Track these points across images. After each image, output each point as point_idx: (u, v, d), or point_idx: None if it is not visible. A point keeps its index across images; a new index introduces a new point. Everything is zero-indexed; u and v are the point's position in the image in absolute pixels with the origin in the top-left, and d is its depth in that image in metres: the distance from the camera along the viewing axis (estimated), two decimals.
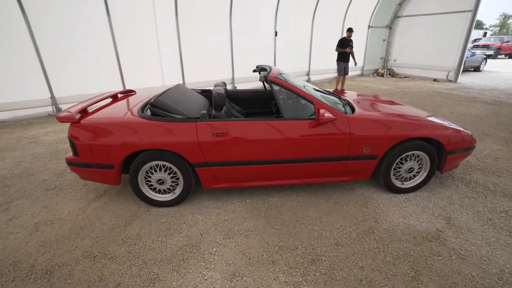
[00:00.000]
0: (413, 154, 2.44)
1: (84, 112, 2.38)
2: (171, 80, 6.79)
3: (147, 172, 2.30)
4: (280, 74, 2.57)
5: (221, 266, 1.79)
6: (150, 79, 6.49)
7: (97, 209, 2.39)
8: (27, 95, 5.07)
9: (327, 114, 2.16)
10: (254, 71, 3.13)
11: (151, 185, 2.36)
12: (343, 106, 2.59)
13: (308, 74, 9.11)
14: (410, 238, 2.01)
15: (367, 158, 2.36)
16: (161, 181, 2.33)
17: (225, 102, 2.40)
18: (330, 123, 2.26)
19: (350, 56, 6.91)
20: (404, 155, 2.41)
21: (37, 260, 1.84)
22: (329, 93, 3.15)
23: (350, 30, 6.67)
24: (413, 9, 9.55)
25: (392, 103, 2.98)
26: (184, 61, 6.86)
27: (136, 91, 3.36)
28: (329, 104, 2.36)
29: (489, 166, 3.08)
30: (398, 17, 10.03)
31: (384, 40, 10.48)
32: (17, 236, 2.06)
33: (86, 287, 1.64)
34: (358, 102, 2.77)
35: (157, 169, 2.30)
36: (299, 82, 3.04)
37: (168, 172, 2.31)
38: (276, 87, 2.36)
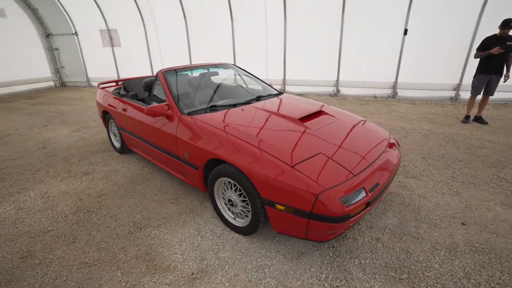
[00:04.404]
0: (234, 183, 1.89)
1: (117, 83, 4.02)
2: (274, 74, 7.61)
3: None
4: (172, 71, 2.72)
5: (66, 186, 2.74)
6: (257, 71, 7.65)
7: (101, 140, 4.05)
8: None
9: (163, 107, 2.25)
10: None
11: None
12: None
13: (456, 89, 6.27)
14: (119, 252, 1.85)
15: (190, 165, 2.17)
16: (114, 134, 3.55)
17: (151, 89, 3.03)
18: (167, 118, 2.31)
19: (505, 64, 4.17)
20: (227, 180, 1.93)
21: (58, 150, 3.73)
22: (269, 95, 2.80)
23: (506, 25, 3.96)
24: None
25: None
26: (288, 59, 7.35)
27: None
28: (175, 101, 2.35)
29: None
30: None
31: None
32: (70, 140, 4.15)
33: (44, 166, 3.25)
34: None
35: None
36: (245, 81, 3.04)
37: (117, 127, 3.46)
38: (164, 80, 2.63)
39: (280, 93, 3.02)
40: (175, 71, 2.76)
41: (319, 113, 2.37)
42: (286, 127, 2.03)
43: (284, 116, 2.20)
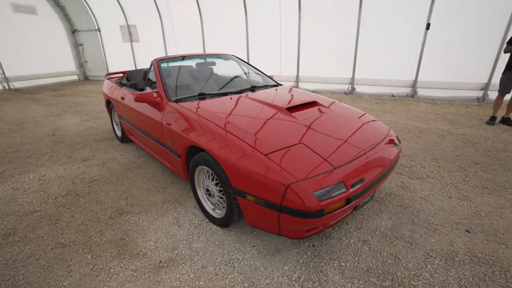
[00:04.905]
0: (212, 173, 1.81)
1: (124, 74, 4.10)
2: (287, 71, 7.45)
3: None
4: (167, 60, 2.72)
5: (63, 171, 2.82)
6: (270, 68, 7.52)
7: (107, 129, 4.16)
8: None
9: (151, 94, 2.23)
10: None
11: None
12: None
13: (484, 88, 5.74)
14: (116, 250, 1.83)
15: (173, 153, 2.12)
16: (116, 123, 3.61)
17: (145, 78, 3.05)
18: (156, 105, 2.28)
19: None
20: (206, 168, 1.86)
21: (65, 137, 3.88)
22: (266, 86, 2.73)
23: None
24: None
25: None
26: (301, 56, 7.16)
27: None
28: (165, 88, 2.31)
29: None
30: None
31: None
32: (78, 128, 4.30)
33: (49, 151, 3.38)
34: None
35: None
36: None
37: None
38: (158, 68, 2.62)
39: (278, 84, 2.90)
40: (171, 59, 2.74)
41: (312, 104, 2.22)
42: (269, 116, 1.91)
43: (270, 105, 2.08)
